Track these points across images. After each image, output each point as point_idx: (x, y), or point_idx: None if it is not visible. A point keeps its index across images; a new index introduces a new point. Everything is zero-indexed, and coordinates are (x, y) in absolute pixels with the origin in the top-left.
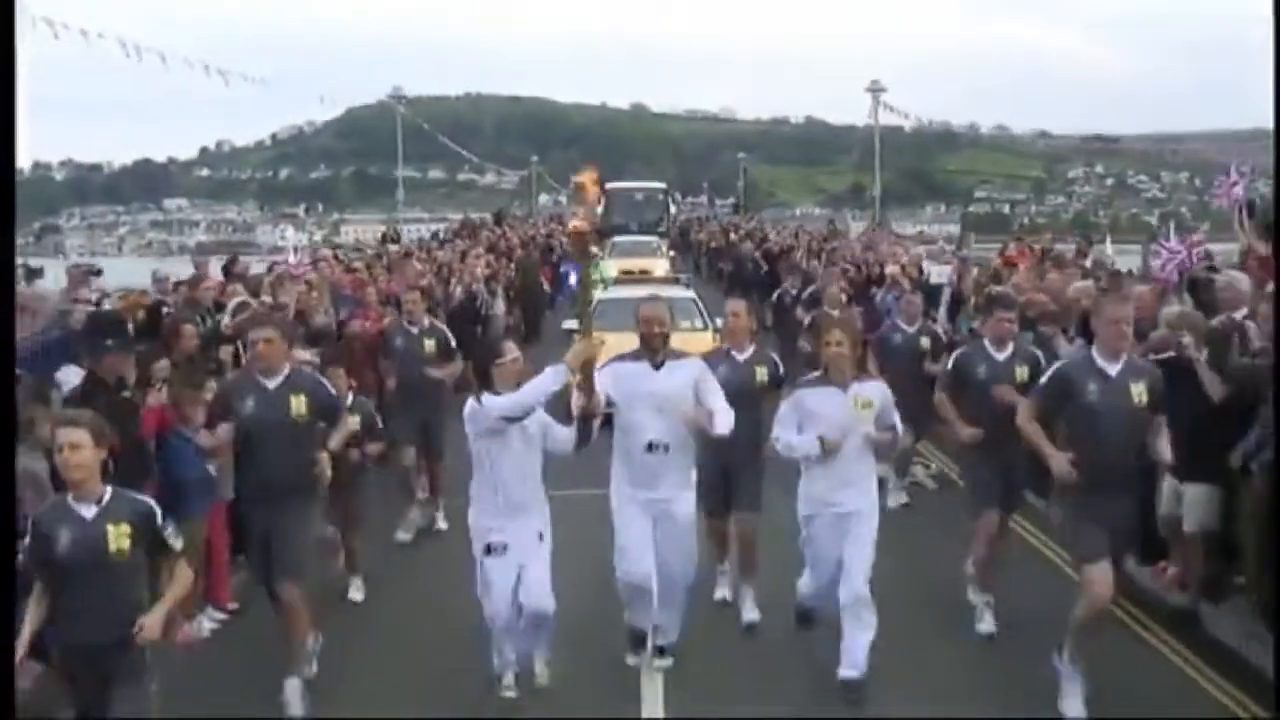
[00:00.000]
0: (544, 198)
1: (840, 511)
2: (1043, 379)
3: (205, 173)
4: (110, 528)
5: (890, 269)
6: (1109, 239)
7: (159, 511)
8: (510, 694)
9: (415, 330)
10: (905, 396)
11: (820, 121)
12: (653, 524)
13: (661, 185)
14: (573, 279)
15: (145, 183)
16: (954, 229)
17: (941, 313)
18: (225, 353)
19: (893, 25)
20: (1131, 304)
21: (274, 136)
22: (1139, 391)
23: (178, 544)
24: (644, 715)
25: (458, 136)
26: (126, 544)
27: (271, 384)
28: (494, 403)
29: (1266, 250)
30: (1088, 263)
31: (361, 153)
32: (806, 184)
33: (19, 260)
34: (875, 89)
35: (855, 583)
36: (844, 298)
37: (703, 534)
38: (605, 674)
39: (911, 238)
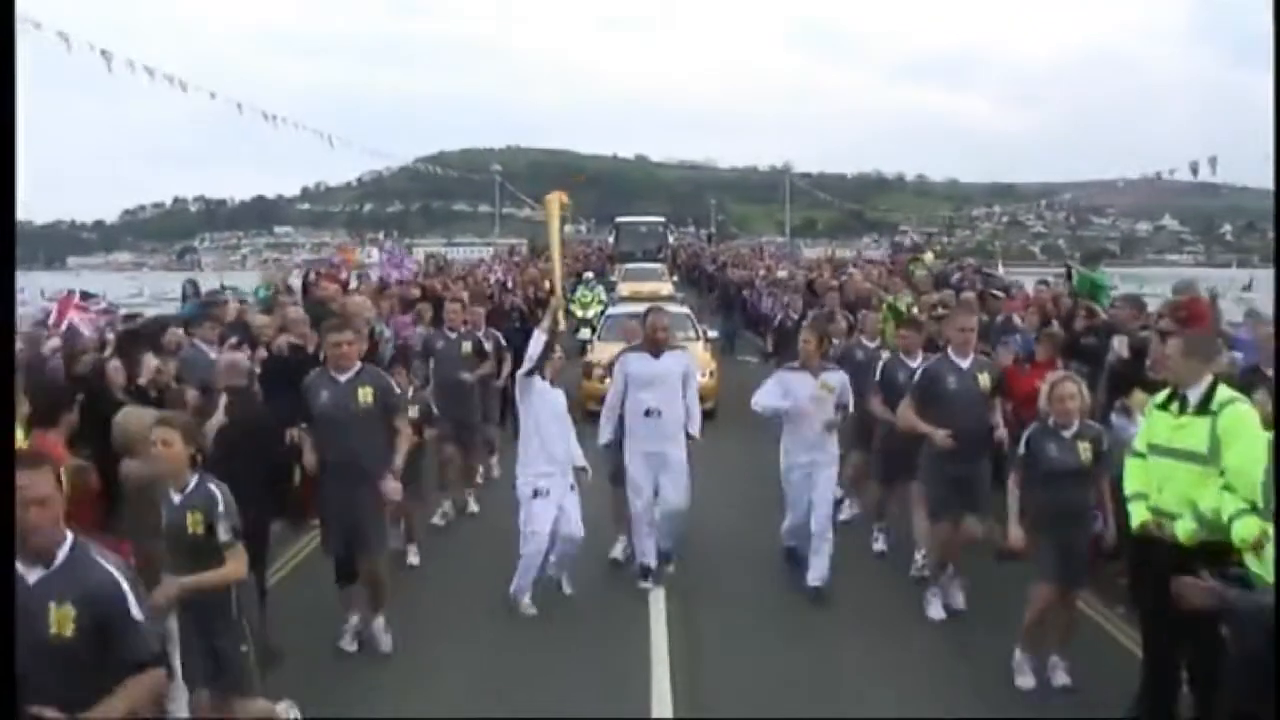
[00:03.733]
0: (567, 228)
1: (809, 466)
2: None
3: (306, 206)
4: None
5: (762, 271)
6: (1000, 264)
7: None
8: (531, 611)
9: (453, 335)
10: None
11: (781, 170)
12: (655, 467)
13: (662, 219)
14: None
15: (260, 214)
16: (883, 255)
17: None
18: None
19: (846, 95)
20: (974, 316)
21: (359, 179)
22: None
23: (226, 536)
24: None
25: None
26: (201, 529)
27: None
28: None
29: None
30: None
31: (426, 192)
32: (770, 219)
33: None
34: (786, 168)
35: (820, 516)
36: (845, 325)
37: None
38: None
39: (853, 259)
